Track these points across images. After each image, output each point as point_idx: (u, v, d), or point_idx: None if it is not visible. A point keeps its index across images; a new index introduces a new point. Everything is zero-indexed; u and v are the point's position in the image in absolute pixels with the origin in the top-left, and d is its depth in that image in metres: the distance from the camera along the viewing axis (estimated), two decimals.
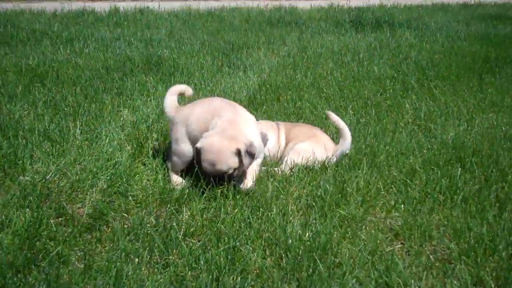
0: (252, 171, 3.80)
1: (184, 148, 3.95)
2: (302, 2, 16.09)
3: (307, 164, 4.11)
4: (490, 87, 6.48)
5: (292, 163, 4.12)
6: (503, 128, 4.98)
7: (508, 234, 3.18)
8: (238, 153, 3.59)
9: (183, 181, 3.91)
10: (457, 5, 16.16)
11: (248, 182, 3.74)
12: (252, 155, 3.66)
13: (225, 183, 3.63)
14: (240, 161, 3.62)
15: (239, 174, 3.72)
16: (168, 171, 4.05)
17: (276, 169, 4.09)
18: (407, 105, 5.67)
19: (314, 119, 5.12)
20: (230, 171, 3.63)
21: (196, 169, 3.76)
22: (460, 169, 4.03)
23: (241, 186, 3.72)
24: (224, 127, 3.70)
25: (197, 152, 3.64)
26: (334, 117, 4.36)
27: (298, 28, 10.97)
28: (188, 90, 4.37)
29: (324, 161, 4.14)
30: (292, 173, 4.04)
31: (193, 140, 3.86)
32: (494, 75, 7.11)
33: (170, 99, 4.22)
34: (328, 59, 7.91)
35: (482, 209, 3.52)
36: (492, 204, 3.58)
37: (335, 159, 4.21)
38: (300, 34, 10.18)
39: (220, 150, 3.58)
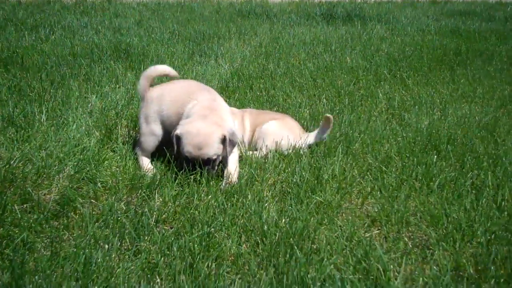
0: (234, 166, 3.70)
1: (155, 127, 3.87)
2: None
3: (276, 144, 4.05)
4: (462, 78, 6.49)
5: (263, 146, 4.06)
6: (477, 118, 4.97)
7: (486, 220, 3.15)
8: (223, 139, 3.53)
9: (154, 168, 3.80)
10: (426, 2, 16.27)
11: (233, 177, 3.62)
12: (233, 144, 3.61)
13: (205, 170, 3.52)
14: (224, 148, 3.55)
15: (218, 163, 3.62)
16: (138, 157, 3.92)
17: (249, 152, 4.01)
18: (380, 94, 5.63)
19: (288, 107, 5.04)
20: (214, 157, 3.53)
21: (168, 154, 3.64)
22: (435, 156, 3.99)
23: (226, 182, 3.59)
24: (205, 113, 3.61)
25: (178, 138, 3.53)
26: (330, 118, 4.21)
27: (269, 20, 10.89)
28: (171, 71, 4.16)
29: (293, 144, 4.09)
30: (266, 159, 3.95)
31: (164, 121, 3.83)
32: (466, 67, 7.14)
33: (146, 78, 4.02)
34: (300, 49, 7.84)
35: (458, 196, 3.48)
36: (468, 191, 3.54)
37: (310, 141, 4.15)
38: (272, 26, 10.09)
39: (207, 134, 3.49)
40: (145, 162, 3.86)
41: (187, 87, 3.96)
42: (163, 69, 4.15)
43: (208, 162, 3.53)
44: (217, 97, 3.90)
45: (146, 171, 3.74)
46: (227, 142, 3.54)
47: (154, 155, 3.94)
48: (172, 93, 3.91)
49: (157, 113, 3.87)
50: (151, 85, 4.06)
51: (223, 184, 3.56)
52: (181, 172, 3.52)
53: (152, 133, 3.88)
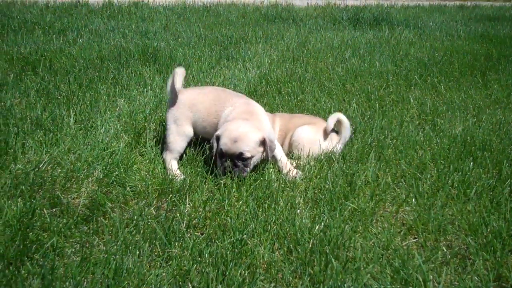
0: (285, 158, 3.83)
1: (185, 128, 3.93)
2: (298, 0, 15.95)
3: (311, 150, 3.99)
4: (494, 84, 6.34)
5: (298, 151, 4.01)
6: None
7: None
8: (263, 142, 3.59)
9: (182, 173, 3.74)
10: (454, 6, 16.09)
11: (293, 170, 3.73)
12: (272, 149, 3.65)
13: (237, 169, 3.53)
14: (263, 151, 3.61)
15: (253, 164, 3.64)
16: (165, 161, 3.89)
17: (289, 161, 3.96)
18: (411, 99, 5.52)
19: (318, 112, 4.95)
20: (248, 154, 3.54)
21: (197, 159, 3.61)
22: (471, 163, 3.87)
23: (289, 174, 3.69)
24: (246, 117, 3.69)
25: (218, 138, 3.59)
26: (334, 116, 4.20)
27: (296, 25, 10.83)
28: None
29: (329, 149, 4.04)
30: (298, 164, 3.88)
31: (196, 125, 3.92)
32: (497, 72, 6.99)
33: (175, 79, 4.02)
34: (328, 54, 7.76)
35: (497, 204, 3.36)
36: (507, 199, 3.42)
37: (340, 147, 4.10)
38: (298, 30, 10.03)
39: (246, 132, 3.56)
40: (174, 166, 3.82)
41: (218, 95, 3.98)
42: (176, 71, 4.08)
43: (241, 158, 3.53)
44: (250, 101, 3.95)
45: (175, 176, 3.67)
46: (267, 145, 3.58)
47: (183, 160, 3.89)
48: (205, 102, 3.94)
49: (188, 117, 3.92)
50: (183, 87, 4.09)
51: (285, 173, 3.68)
52: (212, 175, 3.46)
53: (182, 133, 3.91)
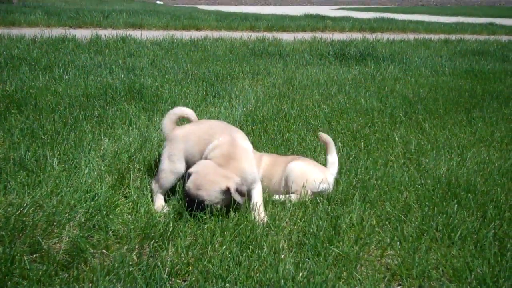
0: (260, 202, 3.79)
1: (178, 165, 3.97)
2: (285, 34, 16.13)
3: (308, 184, 3.98)
4: (478, 122, 6.40)
5: (298, 185, 3.99)
6: (496, 164, 4.86)
7: (511, 274, 3.02)
8: (227, 191, 3.56)
9: (167, 206, 3.82)
10: (439, 40, 16.32)
11: (261, 213, 3.71)
12: (242, 194, 3.61)
13: (204, 211, 3.56)
14: (228, 199, 3.58)
15: (216, 209, 3.60)
16: (153, 194, 3.95)
17: (281, 197, 3.98)
18: (396, 138, 5.55)
19: (303, 151, 4.96)
20: (207, 202, 3.57)
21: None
22: (456, 205, 3.87)
23: (256, 218, 3.64)
24: (220, 162, 3.69)
25: (189, 175, 3.62)
26: (323, 136, 4.33)
27: (282, 60, 10.92)
28: (190, 114, 4.31)
29: (322, 180, 4.03)
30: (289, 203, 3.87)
31: (189, 159, 3.96)
32: (482, 109, 7.06)
33: (170, 118, 4.19)
34: (314, 90, 7.82)
35: (481, 248, 3.35)
36: (491, 243, 3.42)
37: (331, 182, 4.13)
38: (285, 66, 10.11)
39: (210, 182, 3.56)
40: (160, 200, 3.91)
41: (210, 127, 4.04)
42: (182, 111, 4.27)
43: (201, 204, 3.56)
44: (237, 140, 3.90)
45: (159, 209, 3.79)
46: (232, 192, 3.55)
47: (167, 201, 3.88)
48: (197, 132, 4.02)
49: (183, 151, 3.97)
50: (176, 125, 4.20)
51: (254, 217, 3.64)
52: (194, 218, 3.44)
53: (173, 171, 3.95)
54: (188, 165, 3.96)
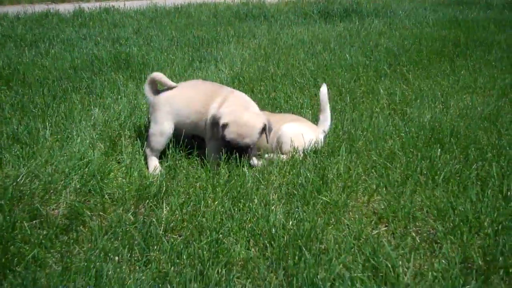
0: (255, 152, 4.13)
1: (166, 126, 4.12)
2: None
3: (300, 145, 4.07)
4: (462, 70, 6.50)
5: (289, 147, 4.07)
6: (479, 108, 4.98)
7: (492, 211, 3.16)
8: (264, 128, 3.89)
9: (160, 167, 3.99)
10: None
11: (259, 160, 4.07)
12: (271, 130, 3.97)
13: (243, 156, 3.87)
14: (263, 136, 3.95)
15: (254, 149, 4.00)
16: (147, 157, 4.11)
17: (281, 156, 4.07)
18: (381, 90, 5.64)
19: (290, 109, 5.05)
20: (252, 146, 3.91)
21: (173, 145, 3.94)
22: (439, 150, 4.00)
23: (254, 163, 4.03)
24: (245, 104, 4.03)
25: (224, 126, 3.83)
26: (323, 91, 4.42)
27: (267, 21, 10.91)
28: (164, 79, 4.32)
29: (314, 141, 4.13)
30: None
31: (182, 120, 4.13)
32: (465, 58, 7.15)
33: (149, 85, 4.33)
34: (299, 49, 7.86)
35: (464, 188, 3.49)
36: (473, 183, 3.55)
37: (322, 139, 4.22)
38: (270, 27, 10.11)
39: (253, 126, 3.86)
40: (154, 162, 4.08)
41: (200, 87, 4.27)
42: (158, 76, 4.32)
43: (247, 149, 3.87)
44: (234, 90, 4.27)
45: (154, 170, 3.96)
46: (267, 129, 3.91)
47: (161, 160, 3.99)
48: (186, 93, 4.18)
49: (170, 114, 4.11)
50: (157, 90, 4.33)
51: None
52: (186, 178, 3.56)
53: (162, 133, 4.11)
54: (181, 125, 4.16)
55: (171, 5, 12.76)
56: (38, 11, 11.62)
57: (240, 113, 3.88)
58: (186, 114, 4.12)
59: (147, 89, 4.31)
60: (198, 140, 4.27)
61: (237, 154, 3.85)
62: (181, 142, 4.13)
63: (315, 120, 4.52)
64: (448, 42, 8.07)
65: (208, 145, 4.07)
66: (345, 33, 9.17)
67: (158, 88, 4.36)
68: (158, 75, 4.29)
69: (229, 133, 3.82)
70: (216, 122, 3.88)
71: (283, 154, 4.11)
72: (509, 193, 3.40)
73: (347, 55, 7.28)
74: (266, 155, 4.11)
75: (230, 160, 3.84)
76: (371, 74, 6.33)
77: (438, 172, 3.68)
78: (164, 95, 4.21)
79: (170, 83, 4.26)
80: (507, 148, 4.03)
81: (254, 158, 4.04)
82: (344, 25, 10.19)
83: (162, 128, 4.11)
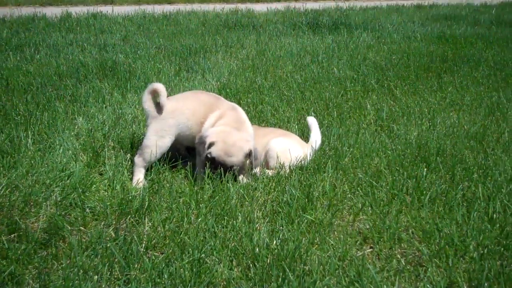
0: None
1: (166, 140, 4.02)
2: (258, 5, 16.05)
3: (287, 161, 4.05)
4: (449, 86, 6.51)
5: (276, 162, 4.05)
6: (465, 127, 4.98)
7: (478, 234, 3.13)
8: (249, 153, 3.85)
9: (144, 181, 3.90)
10: (411, 6, 16.38)
11: (246, 177, 3.98)
12: (256, 160, 3.93)
13: (229, 174, 3.82)
14: (249, 161, 3.90)
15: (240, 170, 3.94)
16: (134, 168, 3.99)
17: (266, 171, 4.06)
18: (368, 106, 5.63)
19: (276, 122, 5.02)
20: (236, 167, 3.86)
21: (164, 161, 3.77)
22: (425, 169, 3.98)
23: (242, 180, 3.94)
24: (237, 125, 3.96)
25: (211, 144, 3.80)
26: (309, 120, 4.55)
27: (256, 31, 10.89)
28: (162, 91, 4.12)
29: (302, 157, 4.11)
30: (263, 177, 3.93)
31: (183, 132, 4.07)
32: (453, 74, 7.17)
33: (148, 95, 4.08)
34: (288, 61, 7.84)
35: (450, 209, 3.47)
36: (459, 204, 3.53)
37: (309, 156, 4.20)
38: (258, 37, 10.09)
39: (239, 146, 3.82)
40: (139, 175, 3.96)
41: (201, 98, 4.20)
42: (159, 88, 4.05)
43: (231, 168, 3.85)
44: (235, 106, 4.19)
45: (138, 183, 3.86)
46: (252, 156, 3.87)
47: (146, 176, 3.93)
48: (189, 106, 4.09)
49: (173, 127, 4.03)
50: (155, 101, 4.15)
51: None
52: (169, 193, 3.50)
53: (159, 146, 3.98)
54: (182, 137, 4.10)
55: (159, 12, 12.71)
56: (24, 14, 11.52)
57: (229, 133, 3.85)
58: (189, 126, 4.06)
59: (146, 99, 4.06)
60: (192, 153, 4.24)
61: (222, 170, 3.80)
62: (164, 154, 4.07)
63: (302, 135, 4.49)
64: (435, 58, 8.10)
65: (197, 160, 4.02)
66: (334, 46, 9.17)
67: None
68: (159, 87, 4.05)
69: (216, 151, 3.79)
70: (203, 141, 3.85)
71: (269, 168, 4.08)
72: (494, 215, 3.37)
73: (335, 69, 7.28)
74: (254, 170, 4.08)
75: (214, 176, 3.78)
76: (358, 89, 6.32)
77: (424, 192, 3.66)
78: (168, 107, 4.04)
79: (164, 99, 4.04)
80: (493, 169, 4.02)
81: (241, 177, 3.95)
82: (332, 37, 10.20)
83: (162, 141, 3.99)
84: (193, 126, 4.05)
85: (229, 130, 3.88)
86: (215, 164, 3.81)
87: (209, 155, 3.80)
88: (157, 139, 3.98)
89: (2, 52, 7.87)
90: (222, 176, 3.78)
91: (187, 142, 4.18)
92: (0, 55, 7.59)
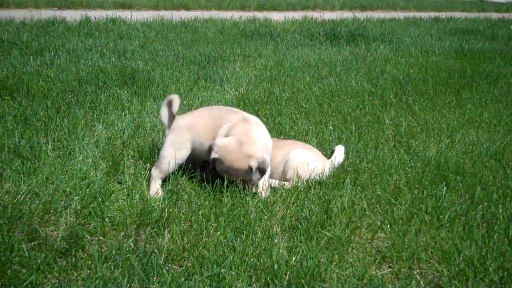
0: (266, 181, 4.04)
1: (183, 152, 4.06)
2: (275, 13, 16.10)
3: (305, 173, 4.06)
4: (468, 103, 6.48)
5: (295, 173, 4.05)
6: (484, 145, 4.94)
7: (498, 256, 3.11)
8: (250, 169, 3.80)
9: (161, 191, 3.91)
10: (429, 19, 16.34)
11: (263, 192, 3.95)
12: (263, 172, 3.83)
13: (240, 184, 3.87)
14: (252, 175, 3.83)
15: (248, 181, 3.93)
16: (151, 179, 4.00)
17: (284, 183, 4.07)
18: (387, 120, 5.61)
19: (295, 135, 5.02)
20: (241, 179, 3.88)
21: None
22: (445, 188, 3.96)
23: (261, 193, 3.94)
24: (241, 139, 3.87)
25: (214, 160, 3.86)
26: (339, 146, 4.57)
27: (273, 41, 10.92)
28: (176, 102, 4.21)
29: (322, 172, 4.13)
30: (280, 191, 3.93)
31: (197, 147, 4.10)
32: (471, 90, 7.14)
33: (166, 107, 4.19)
34: (305, 72, 7.85)
35: (469, 230, 3.44)
36: (479, 225, 3.51)
37: (328, 171, 4.20)
38: (276, 47, 10.12)
39: (236, 166, 3.81)
40: (156, 185, 3.97)
41: (215, 112, 4.20)
42: (175, 100, 4.15)
43: (236, 179, 3.88)
44: (247, 117, 4.12)
45: (154, 194, 3.87)
46: (253, 171, 3.79)
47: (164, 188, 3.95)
48: (202, 121, 4.11)
49: (189, 141, 4.08)
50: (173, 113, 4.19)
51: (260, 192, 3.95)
52: (188, 206, 3.51)
53: (177, 158, 4.02)
54: (196, 152, 4.12)
55: (177, 19, 12.79)
56: (44, 17, 11.64)
57: (230, 150, 3.84)
58: (201, 142, 4.07)
59: (164, 110, 4.18)
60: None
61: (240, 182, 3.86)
62: (183, 166, 4.09)
63: (321, 148, 4.50)
64: (454, 73, 8.07)
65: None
66: (351, 58, 9.17)
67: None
68: (175, 98, 4.14)
69: (218, 166, 3.88)
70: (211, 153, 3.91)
71: (287, 180, 4.08)
72: None
73: (353, 81, 7.27)
74: (270, 181, 4.08)
75: (233, 188, 3.79)
76: (376, 103, 6.31)
77: (443, 212, 3.64)
78: (185, 120, 4.12)
79: (175, 109, 4.14)
80: None
81: (257, 187, 3.94)
82: (350, 49, 10.21)
83: (179, 153, 4.03)
84: (205, 142, 4.07)
85: (232, 145, 3.84)
86: (219, 174, 3.90)
87: (222, 169, 3.87)
88: (174, 151, 4.03)
89: (23, 56, 7.95)
90: (241, 188, 3.83)
91: (202, 157, 4.18)
92: (21, 59, 7.67)
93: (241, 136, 3.89)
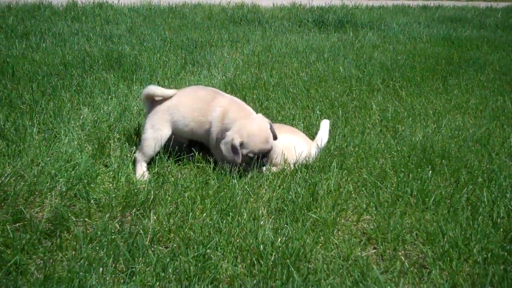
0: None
1: (163, 133, 4.05)
2: (264, 0, 16.00)
3: (292, 157, 4.07)
4: (454, 89, 6.51)
5: (281, 159, 4.06)
6: (470, 130, 4.97)
7: (482, 237, 3.14)
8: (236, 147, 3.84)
9: (147, 174, 3.92)
10: (417, 7, 16.34)
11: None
12: (235, 150, 3.84)
13: (256, 166, 3.92)
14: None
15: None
16: (136, 162, 4.01)
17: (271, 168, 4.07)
18: (373, 106, 5.62)
19: (282, 119, 5.01)
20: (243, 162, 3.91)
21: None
22: (430, 171, 3.98)
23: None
24: (246, 114, 3.98)
25: (241, 144, 3.81)
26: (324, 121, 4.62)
27: (261, 27, 10.88)
28: (158, 92, 4.17)
29: (308, 155, 4.13)
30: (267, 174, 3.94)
31: (181, 129, 4.08)
32: (458, 76, 7.16)
33: (146, 96, 4.15)
34: (293, 58, 7.83)
35: (454, 212, 3.47)
36: (464, 207, 3.53)
37: (314, 154, 4.21)
38: (264, 33, 10.08)
39: (266, 128, 3.88)
40: (142, 168, 3.98)
41: (198, 93, 4.18)
42: (152, 90, 4.12)
43: (267, 153, 3.93)
44: (233, 98, 4.19)
45: (141, 177, 3.87)
46: (237, 147, 3.82)
47: (150, 170, 3.94)
48: (187, 102, 4.09)
49: (169, 122, 4.06)
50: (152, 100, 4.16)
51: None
52: (174, 187, 3.50)
53: (157, 139, 4.02)
54: (180, 133, 4.11)
55: (165, 4, 12.69)
56: (30, 2, 11.49)
57: (249, 125, 3.86)
58: (186, 123, 4.06)
59: (143, 102, 4.21)
60: (194, 145, 4.25)
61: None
62: (170, 148, 4.08)
63: (308, 133, 4.50)
64: (441, 60, 8.09)
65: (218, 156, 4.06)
66: (339, 44, 9.16)
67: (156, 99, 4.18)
68: (151, 90, 4.10)
69: (255, 145, 3.84)
70: (228, 142, 3.83)
71: (274, 165, 4.08)
72: (499, 220, 3.38)
73: (341, 67, 7.27)
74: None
75: (220, 171, 3.79)
76: (364, 88, 6.31)
77: (428, 195, 3.66)
78: (165, 103, 4.09)
79: (167, 92, 4.11)
80: (498, 173, 4.02)
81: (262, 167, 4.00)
82: (338, 36, 10.19)
83: (159, 134, 4.02)
84: (191, 123, 4.05)
85: (248, 122, 3.89)
86: (252, 158, 3.87)
87: (251, 155, 3.84)
88: (155, 132, 4.02)
89: (8, 39, 7.86)
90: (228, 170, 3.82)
91: (187, 137, 4.19)
92: (6, 43, 7.59)
93: (243, 112, 4.00)
